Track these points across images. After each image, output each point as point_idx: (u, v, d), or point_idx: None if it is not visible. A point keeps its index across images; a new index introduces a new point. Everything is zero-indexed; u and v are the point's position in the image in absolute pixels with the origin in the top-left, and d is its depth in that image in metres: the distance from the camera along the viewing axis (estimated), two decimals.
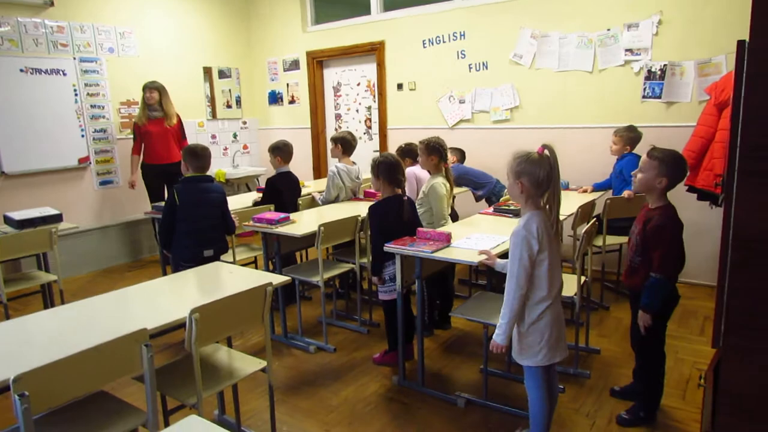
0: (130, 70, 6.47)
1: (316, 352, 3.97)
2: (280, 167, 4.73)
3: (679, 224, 2.77)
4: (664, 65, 4.96)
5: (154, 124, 5.98)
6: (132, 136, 6.11)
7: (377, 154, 6.89)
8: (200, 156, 3.87)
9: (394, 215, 3.52)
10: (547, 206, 2.47)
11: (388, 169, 3.52)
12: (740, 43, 1.63)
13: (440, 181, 3.93)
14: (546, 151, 2.41)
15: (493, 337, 2.50)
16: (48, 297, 4.43)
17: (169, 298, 2.70)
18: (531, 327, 2.49)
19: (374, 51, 6.75)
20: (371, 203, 3.76)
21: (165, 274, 4.70)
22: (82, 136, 6.09)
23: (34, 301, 4.68)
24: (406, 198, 3.62)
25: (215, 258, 3.92)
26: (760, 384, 1.62)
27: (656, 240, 2.73)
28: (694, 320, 4.30)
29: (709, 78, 4.70)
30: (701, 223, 4.81)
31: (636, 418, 2.98)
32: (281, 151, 4.70)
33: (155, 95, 5.95)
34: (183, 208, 3.76)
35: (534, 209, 2.45)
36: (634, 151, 4.62)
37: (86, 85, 6.10)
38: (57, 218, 4.40)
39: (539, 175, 2.39)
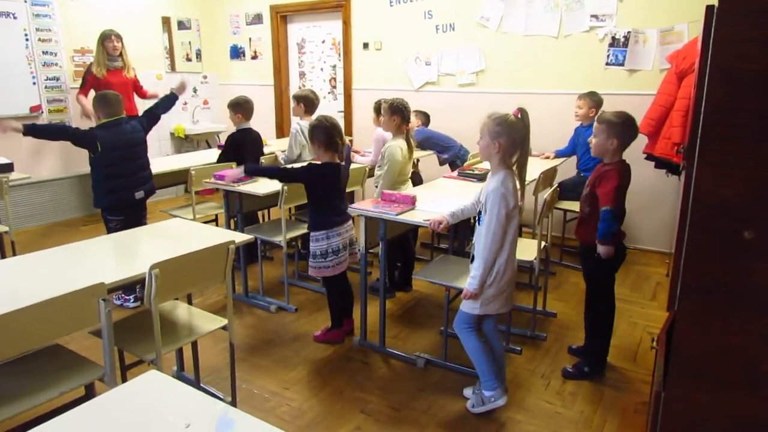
0: (85, 16, 6.18)
1: (277, 311, 3.96)
2: (241, 124, 4.61)
3: (627, 176, 2.90)
4: (628, 32, 4.99)
5: (114, 74, 5.63)
6: (81, 84, 5.67)
7: (341, 114, 6.83)
8: (112, 102, 3.74)
9: (329, 182, 3.29)
10: (515, 167, 2.57)
11: (325, 132, 3.21)
12: (709, 8, 1.63)
13: (398, 144, 3.89)
14: (520, 114, 2.51)
15: (466, 285, 2.62)
16: None
17: (127, 252, 2.64)
18: (495, 280, 2.60)
19: (340, 8, 6.60)
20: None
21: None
22: (34, 83, 5.81)
23: None
24: (342, 164, 3.38)
25: (145, 199, 3.95)
26: (711, 347, 1.68)
27: (603, 181, 2.86)
28: (647, 285, 4.43)
29: (671, 46, 4.76)
30: (657, 191, 4.93)
31: (580, 372, 3.11)
32: (241, 108, 4.57)
33: (119, 44, 5.60)
34: (107, 153, 3.68)
35: (506, 169, 2.54)
36: None
37: (38, 30, 5.79)
38: (8, 167, 4.24)
39: (516, 136, 2.49)
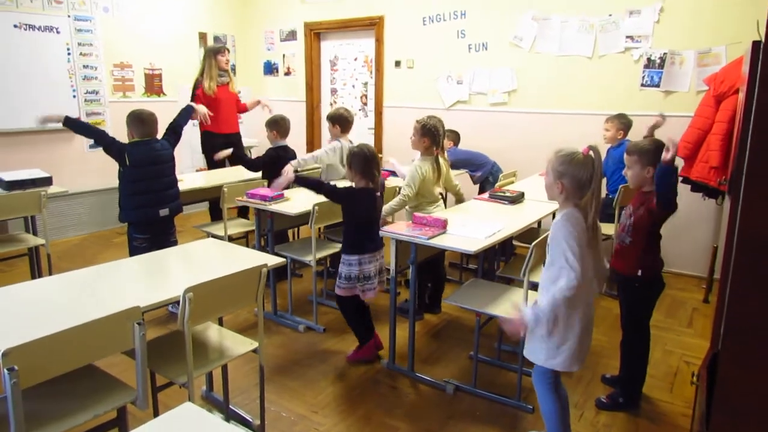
0: (124, 31, 6.34)
1: (306, 331, 3.95)
2: (276, 141, 4.65)
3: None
4: (664, 54, 4.92)
5: (222, 90, 5.51)
6: (191, 99, 5.35)
7: (371, 131, 6.86)
8: (147, 122, 3.73)
9: (365, 207, 3.38)
10: (586, 207, 2.31)
11: (363, 161, 3.32)
12: (755, 44, 1.60)
13: (419, 165, 3.84)
14: (591, 152, 2.28)
15: (525, 313, 2.25)
16: (35, 260, 4.37)
17: (161, 274, 2.66)
18: (554, 328, 2.34)
19: (373, 26, 6.64)
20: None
21: None
22: (74, 96, 5.98)
23: (20, 264, 4.61)
24: (378, 194, 3.46)
25: (170, 218, 3.92)
26: (757, 388, 1.62)
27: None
28: (683, 311, 4.33)
29: (708, 68, 4.67)
30: (693, 215, 4.83)
31: (614, 403, 3.03)
32: (278, 125, 4.63)
33: (229, 59, 5.44)
34: (135, 169, 3.68)
35: (572, 207, 2.32)
36: (628, 138, 4.61)
37: (79, 44, 5.96)
38: (47, 181, 4.35)
39: (582, 177, 2.27)
